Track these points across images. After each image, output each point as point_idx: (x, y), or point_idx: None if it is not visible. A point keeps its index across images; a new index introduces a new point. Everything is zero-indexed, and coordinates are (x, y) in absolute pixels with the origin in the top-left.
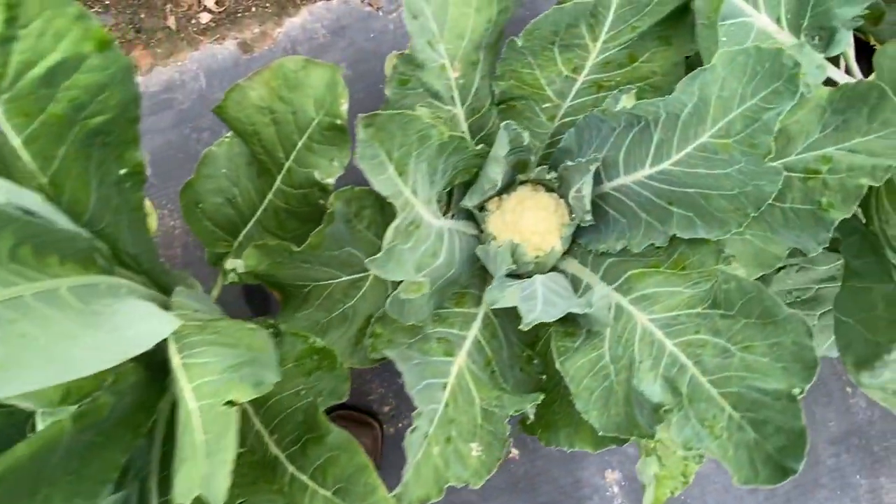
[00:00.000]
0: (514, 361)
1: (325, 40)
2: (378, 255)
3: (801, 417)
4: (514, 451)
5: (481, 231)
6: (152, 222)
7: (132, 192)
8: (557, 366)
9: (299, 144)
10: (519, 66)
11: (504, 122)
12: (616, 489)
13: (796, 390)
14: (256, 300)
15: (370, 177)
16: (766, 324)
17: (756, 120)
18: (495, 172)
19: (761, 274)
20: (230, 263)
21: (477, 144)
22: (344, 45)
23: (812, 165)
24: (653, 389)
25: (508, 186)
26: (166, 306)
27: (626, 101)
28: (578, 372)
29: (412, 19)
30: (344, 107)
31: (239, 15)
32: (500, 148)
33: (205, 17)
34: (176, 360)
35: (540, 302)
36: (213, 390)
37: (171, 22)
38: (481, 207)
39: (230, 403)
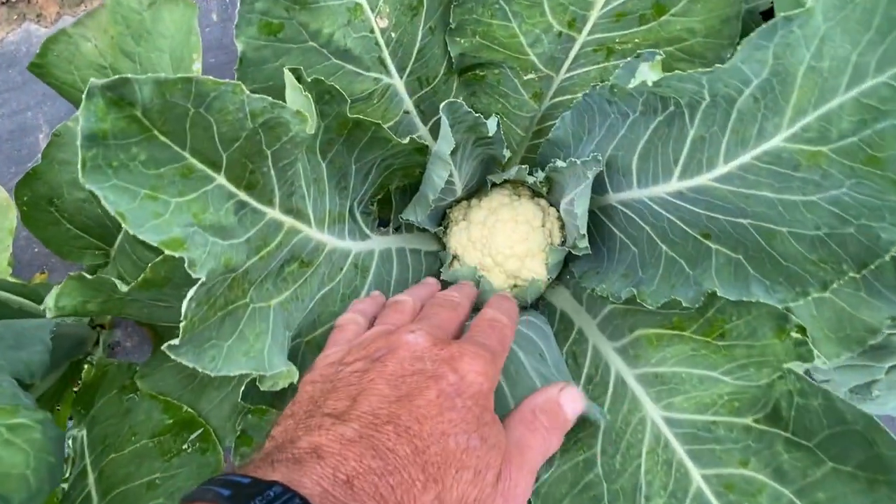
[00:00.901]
0: None
1: None
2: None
3: None
4: None
5: (443, 247)
6: (11, 219)
7: None
8: None
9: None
10: (486, 13)
11: (446, 103)
12: None
13: None
14: None
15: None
16: (876, 482)
17: (883, 115)
18: (440, 177)
19: (847, 354)
20: (49, 297)
21: (431, 131)
22: None
23: None
24: None
25: (479, 189)
26: None
27: (649, 73)
28: (554, 489)
29: None
30: (196, 66)
31: None
32: (444, 142)
33: None
34: None
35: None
36: None
37: None
38: (443, 215)
39: None
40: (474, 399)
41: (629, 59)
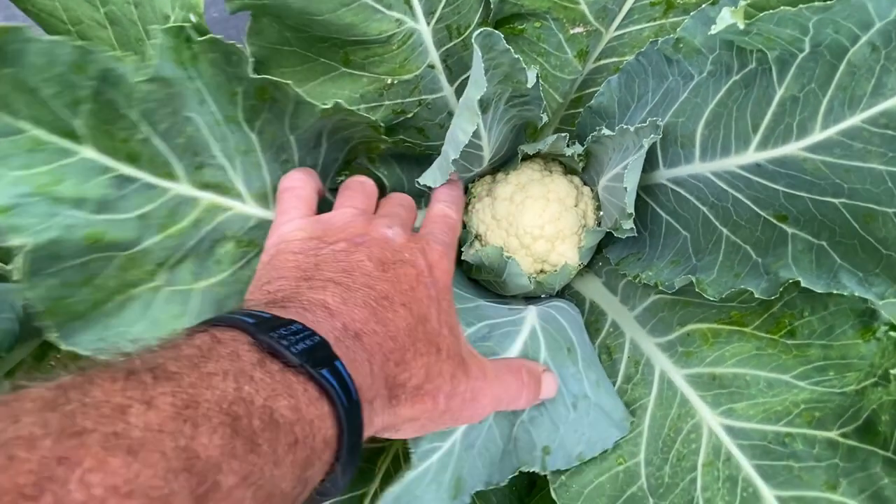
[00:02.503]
0: None
1: None
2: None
3: None
4: None
5: (463, 226)
6: None
7: None
8: (553, 492)
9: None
10: None
11: (480, 32)
12: None
13: None
14: None
15: None
16: None
17: None
18: (464, 132)
19: None
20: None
21: (457, 92)
22: None
23: None
24: None
25: (507, 162)
26: None
27: (731, 19)
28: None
29: None
30: None
31: None
32: (475, 86)
33: None
34: None
35: None
36: None
37: None
38: (464, 190)
39: None
40: (444, 292)
41: (699, 9)
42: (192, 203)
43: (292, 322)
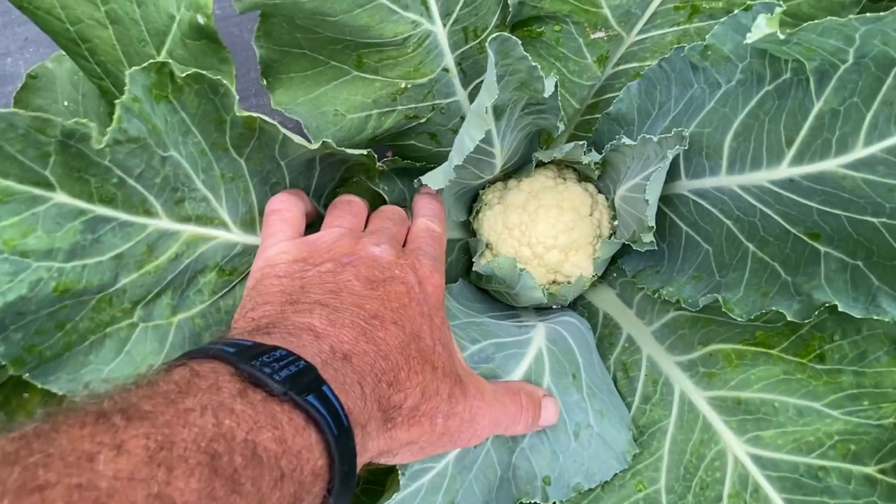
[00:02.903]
0: None
1: None
2: None
3: None
4: None
5: (473, 234)
6: None
7: None
8: None
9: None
10: None
11: (496, 37)
12: None
13: None
14: None
15: None
16: None
17: None
18: (472, 139)
19: None
20: None
21: (471, 96)
22: None
23: None
24: None
25: (520, 169)
26: None
27: (768, 28)
28: None
29: None
30: None
31: None
32: (487, 91)
33: None
34: None
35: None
36: None
37: None
38: (474, 198)
39: None
40: (436, 308)
41: (727, 17)
42: (173, 237)
43: (276, 348)
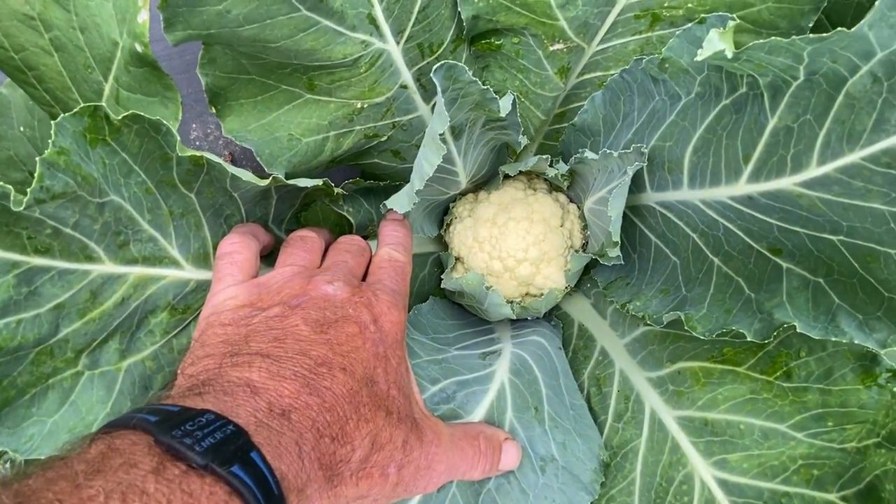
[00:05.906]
0: None
1: None
2: None
3: None
4: None
5: (445, 247)
6: None
7: None
8: None
9: (106, 90)
10: None
11: (441, 65)
12: None
13: None
14: None
15: None
16: None
17: None
18: (430, 164)
19: None
20: None
21: (434, 110)
22: None
23: None
24: None
25: (489, 181)
26: None
27: (719, 43)
28: None
29: None
30: (142, 16)
31: None
32: (438, 118)
33: None
34: None
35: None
36: None
37: None
38: (446, 210)
39: None
40: (393, 347)
41: (683, 27)
42: (119, 280)
43: (205, 412)
